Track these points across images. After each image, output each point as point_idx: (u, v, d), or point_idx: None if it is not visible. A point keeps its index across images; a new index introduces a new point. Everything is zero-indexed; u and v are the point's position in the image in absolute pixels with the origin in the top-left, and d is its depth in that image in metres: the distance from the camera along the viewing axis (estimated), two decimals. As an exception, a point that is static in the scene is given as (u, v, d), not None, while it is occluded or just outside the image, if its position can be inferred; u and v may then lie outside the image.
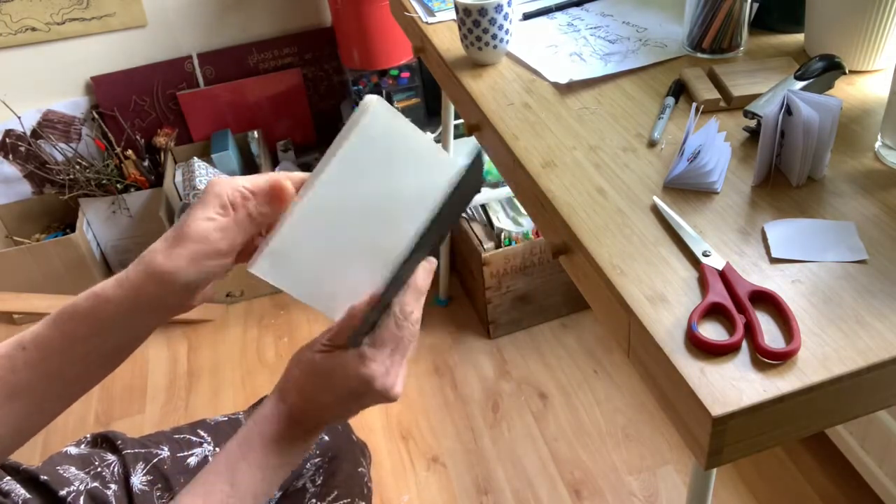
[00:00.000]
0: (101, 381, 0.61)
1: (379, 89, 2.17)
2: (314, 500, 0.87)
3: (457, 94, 1.13)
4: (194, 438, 0.90)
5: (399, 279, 0.56)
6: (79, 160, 2.12)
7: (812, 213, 0.75)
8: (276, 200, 0.59)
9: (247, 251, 0.61)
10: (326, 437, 0.93)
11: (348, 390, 0.56)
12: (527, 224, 1.78)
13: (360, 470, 0.94)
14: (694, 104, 0.86)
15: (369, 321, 0.56)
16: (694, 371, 0.60)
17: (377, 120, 0.58)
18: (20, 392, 0.57)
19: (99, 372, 0.60)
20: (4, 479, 0.76)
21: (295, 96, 2.30)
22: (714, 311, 0.65)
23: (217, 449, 0.89)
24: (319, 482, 0.89)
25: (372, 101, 0.57)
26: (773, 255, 0.70)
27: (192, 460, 0.88)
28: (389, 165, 0.60)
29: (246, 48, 2.21)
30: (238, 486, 0.56)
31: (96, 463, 0.83)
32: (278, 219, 0.59)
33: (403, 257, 0.55)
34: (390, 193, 0.60)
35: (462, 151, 2.04)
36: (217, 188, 0.58)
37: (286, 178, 0.59)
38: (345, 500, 0.89)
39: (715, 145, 0.80)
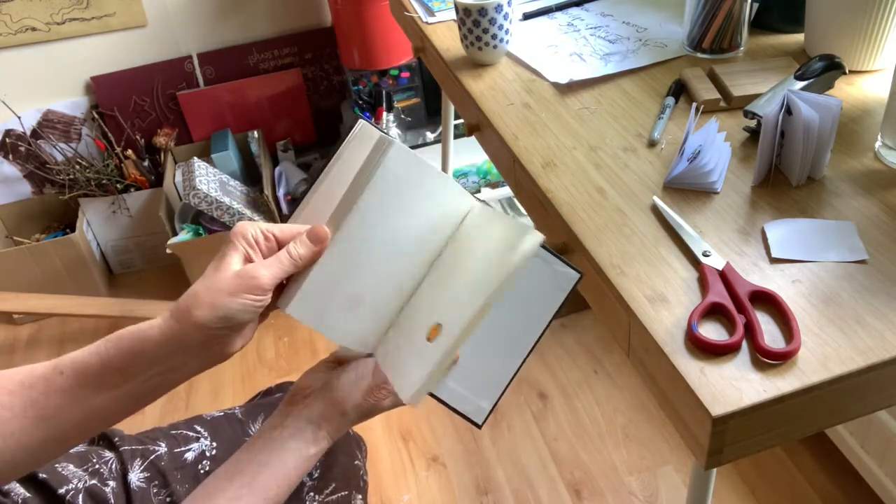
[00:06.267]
0: (120, 421, 0.60)
1: (379, 89, 2.17)
2: (312, 494, 0.87)
3: (457, 94, 1.13)
4: (191, 434, 0.90)
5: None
6: (79, 160, 2.12)
7: (812, 213, 0.75)
8: (316, 243, 0.61)
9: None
10: None
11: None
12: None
13: (356, 463, 0.94)
14: (694, 104, 0.86)
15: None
16: (694, 371, 0.60)
17: (396, 162, 0.61)
18: (48, 417, 0.56)
19: (122, 409, 0.59)
20: (4, 479, 0.76)
21: (295, 96, 2.30)
22: (714, 311, 0.65)
23: (214, 444, 0.89)
24: (316, 475, 0.89)
25: (391, 143, 0.60)
26: (773, 255, 0.70)
27: (190, 455, 0.88)
28: (409, 204, 0.62)
29: (246, 48, 2.21)
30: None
31: (94, 460, 0.83)
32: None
33: (519, 365, 0.65)
34: (409, 230, 0.63)
35: (463, 150, 2.04)
36: (240, 228, 0.60)
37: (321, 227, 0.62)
38: (342, 493, 0.89)
39: (715, 145, 0.80)
